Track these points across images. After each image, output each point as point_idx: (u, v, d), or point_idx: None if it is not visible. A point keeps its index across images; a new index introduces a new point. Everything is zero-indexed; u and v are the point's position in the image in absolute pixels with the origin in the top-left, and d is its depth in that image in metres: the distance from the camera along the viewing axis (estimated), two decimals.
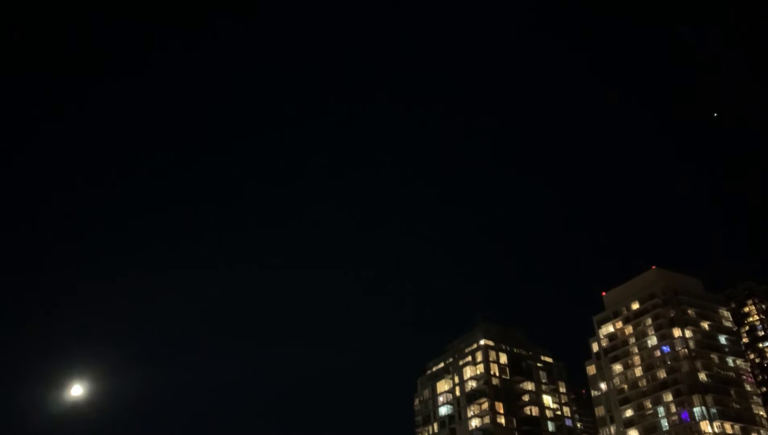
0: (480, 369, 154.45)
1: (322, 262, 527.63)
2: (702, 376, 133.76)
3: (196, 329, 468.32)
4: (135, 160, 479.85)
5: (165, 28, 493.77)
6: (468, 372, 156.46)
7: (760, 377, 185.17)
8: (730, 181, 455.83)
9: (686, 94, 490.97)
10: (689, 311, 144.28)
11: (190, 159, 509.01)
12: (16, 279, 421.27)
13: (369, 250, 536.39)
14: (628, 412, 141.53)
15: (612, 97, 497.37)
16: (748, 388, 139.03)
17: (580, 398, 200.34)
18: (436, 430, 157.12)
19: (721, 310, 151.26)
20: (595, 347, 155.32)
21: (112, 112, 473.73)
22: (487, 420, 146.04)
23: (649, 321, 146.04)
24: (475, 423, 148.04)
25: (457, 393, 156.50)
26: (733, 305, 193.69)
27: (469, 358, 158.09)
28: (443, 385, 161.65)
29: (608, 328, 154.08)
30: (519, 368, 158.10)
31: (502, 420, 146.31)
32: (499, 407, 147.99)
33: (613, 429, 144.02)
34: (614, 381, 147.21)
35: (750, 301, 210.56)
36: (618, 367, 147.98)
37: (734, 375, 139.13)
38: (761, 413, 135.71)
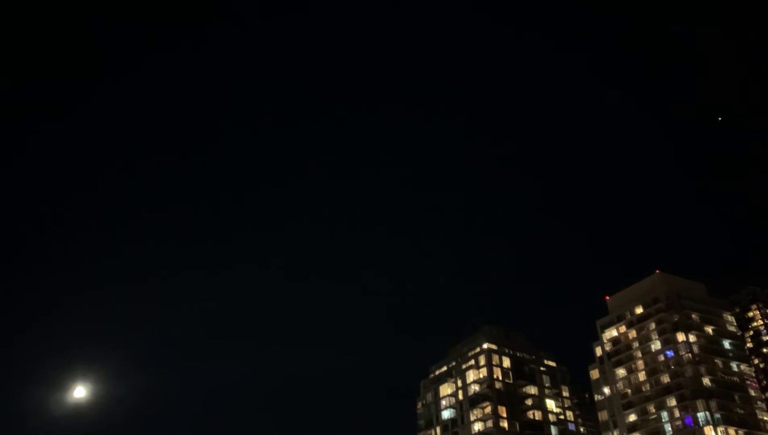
0: (483, 373, 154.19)
1: (323, 262, 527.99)
2: (706, 381, 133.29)
3: (197, 330, 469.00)
4: (135, 161, 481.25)
5: (165, 28, 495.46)
6: (471, 376, 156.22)
7: (764, 382, 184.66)
8: (734, 184, 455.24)
9: (687, 96, 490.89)
10: (693, 316, 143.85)
11: (190, 159, 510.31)
12: (17, 280, 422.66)
13: (370, 251, 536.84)
14: (632, 417, 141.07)
15: (613, 98, 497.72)
16: (752, 393, 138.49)
17: (584, 403, 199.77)
18: (438, 433, 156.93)
19: (725, 315, 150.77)
20: (598, 351, 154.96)
21: (111, 113, 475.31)
22: (489, 424, 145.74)
23: (653, 325, 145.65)
24: (477, 427, 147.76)
25: (460, 397, 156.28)
26: (737, 310, 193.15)
27: (472, 362, 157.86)
28: (446, 389, 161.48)
29: (612, 333, 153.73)
30: (522, 372, 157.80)
31: (504, 424, 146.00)
32: (502, 411, 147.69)
33: (616, 433, 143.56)
34: (617, 385, 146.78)
35: (754, 306, 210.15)
36: (621, 372, 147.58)
37: (738, 380, 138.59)
38: (765, 418, 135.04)
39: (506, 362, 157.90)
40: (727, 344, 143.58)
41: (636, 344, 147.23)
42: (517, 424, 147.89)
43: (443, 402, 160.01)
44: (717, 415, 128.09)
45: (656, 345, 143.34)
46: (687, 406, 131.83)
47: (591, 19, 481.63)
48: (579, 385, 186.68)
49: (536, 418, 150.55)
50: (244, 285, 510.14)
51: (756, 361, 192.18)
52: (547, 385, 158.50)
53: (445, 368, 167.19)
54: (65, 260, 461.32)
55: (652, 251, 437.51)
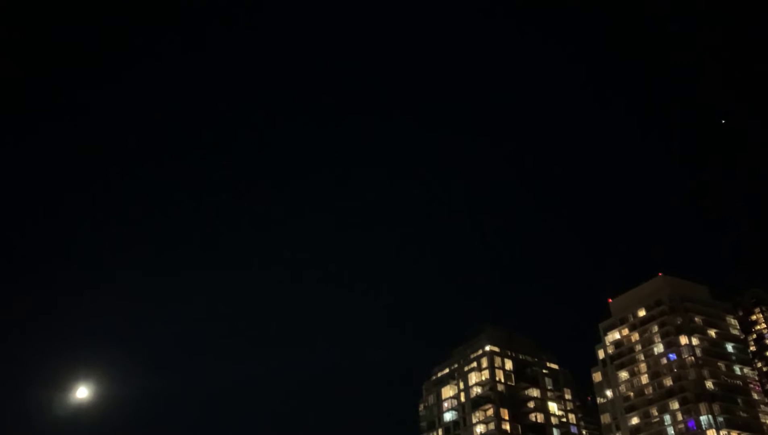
0: (485, 375, 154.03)
1: (324, 263, 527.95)
2: (709, 384, 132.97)
3: (200, 331, 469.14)
4: (137, 160, 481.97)
5: (166, 28, 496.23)
6: (473, 378, 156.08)
7: None
8: (737, 186, 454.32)
9: (688, 97, 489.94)
10: (696, 319, 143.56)
11: (192, 160, 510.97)
12: (18, 280, 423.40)
13: (371, 252, 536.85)
14: (634, 420, 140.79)
15: (615, 100, 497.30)
16: (756, 396, 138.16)
17: (586, 405, 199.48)
18: None
19: (728, 318, 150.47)
20: (601, 354, 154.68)
21: (112, 113, 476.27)
22: (491, 426, 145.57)
23: (656, 328, 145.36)
24: (479, 429, 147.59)
25: (462, 399, 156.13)
26: (740, 313, 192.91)
27: (475, 364, 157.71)
28: (448, 391, 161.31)
29: (614, 335, 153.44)
30: (524, 375, 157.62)
31: (507, 426, 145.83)
32: (504, 414, 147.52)
33: None
34: (620, 388, 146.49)
35: (757, 309, 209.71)
36: (624, 375, 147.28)
37: (741, 383, 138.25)
38: None
39: (508, 365, 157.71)
40: (730, 347, 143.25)
41: (639, 347, 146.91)
42: (519, 427, 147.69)
43: (445, 404, 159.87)
44: (720, 419, 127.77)
45: (659, 348, 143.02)
46: (690, 409, 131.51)
47: (591, 20, 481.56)
48: (581, 388, 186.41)
49: (538, 421, 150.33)
50: (246, 285, 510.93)
51: (759, 365, 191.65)
52: (549, 387, 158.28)
53: (447, 370, 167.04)
54: (67, 260, 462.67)
55: (655, 254, 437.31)
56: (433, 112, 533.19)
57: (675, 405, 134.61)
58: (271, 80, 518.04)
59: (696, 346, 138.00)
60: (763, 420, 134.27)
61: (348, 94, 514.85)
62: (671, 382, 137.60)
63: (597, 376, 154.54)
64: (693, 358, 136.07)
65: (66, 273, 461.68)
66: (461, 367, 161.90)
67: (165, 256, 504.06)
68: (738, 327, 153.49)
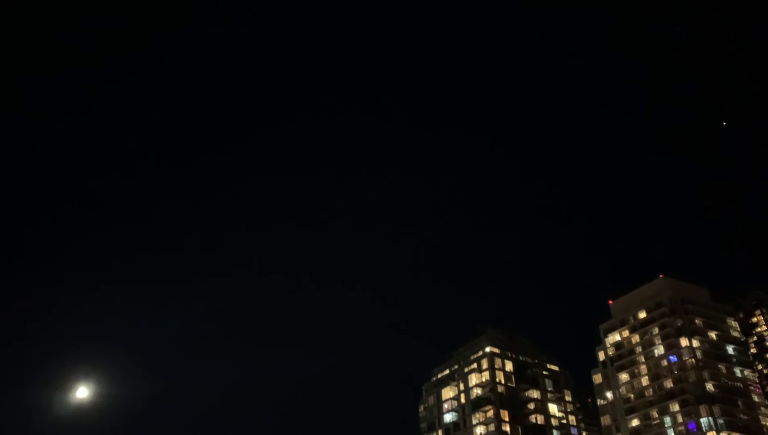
0: (485, 376, 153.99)
1: (325, 265, 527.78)
2: (709, 386, 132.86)
3: (200, 331, 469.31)
4: (138, 163, 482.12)
5: (167, 28, 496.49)
6: (473, 379, 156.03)
7: None
8: (738, 187, 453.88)
9: (689, 97, 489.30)
10: (696, 321, 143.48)
11: (194, 162, 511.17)
12: (19, 281, 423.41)
13: (371, 252, 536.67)
14: (635, 422, 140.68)
15: (617, 103, 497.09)
16: (756, 398, 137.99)
17: (586, 407, 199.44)
18: None
19: (728, 320, 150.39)
20: (601, 356, 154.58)
21: (113, 115, 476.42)
22: (492, 428, 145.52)
23: (656, 330, 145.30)
24: (480, 431, 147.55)
25: (462, 400, 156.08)
26: (741, 315, 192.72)
27: (475, 366, 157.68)
28: (448, 392, 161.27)
29: (615, 337, 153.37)
30: (525, 376, 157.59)
31: (507, 428, 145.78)
32: (504, 415, 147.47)
33: None
34: (620, 390, 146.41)
35: (758, 311, 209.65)
36: (624, 376, 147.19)
37: (742, 386, 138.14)
38: None
39: (509, 366, 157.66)
40: (730, 349, 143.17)
41: (639, 349, 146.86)
42: (519, 428, 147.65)
43: (445, 405, 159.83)
44: (720, 421, 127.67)
45: (659, 350, 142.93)
46: (690, 411, 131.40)
47: (590, 20, 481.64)
48: (582, 390, 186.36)
49: (538, 423, 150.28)
50: (246, 286, 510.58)
51: (760, 367, 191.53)
52: (549, 389, 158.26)
53: (447, 371, 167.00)
54: (68, 261, 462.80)
55: (655, 255, 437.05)
56: (433, 112, 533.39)
57: (675, 407, 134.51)
58: (272, 80, 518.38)
59: (696, 348, 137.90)
60: (763, 422, 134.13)
61: (348, 94, 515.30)
62: (671, 384, 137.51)
63: (597, 378, 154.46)
64: (693, 360, 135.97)
65: (66, 273, 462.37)
66: (461, 368, 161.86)
67: (165, 257, 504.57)
68: (738, 329, 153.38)
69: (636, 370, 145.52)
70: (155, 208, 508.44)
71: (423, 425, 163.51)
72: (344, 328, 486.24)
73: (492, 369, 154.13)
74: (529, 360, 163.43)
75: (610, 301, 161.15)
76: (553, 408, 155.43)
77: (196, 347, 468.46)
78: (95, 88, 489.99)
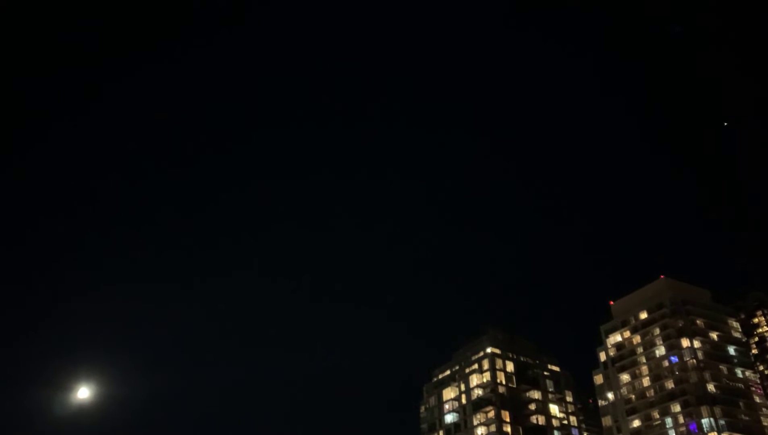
0: (486, 377, 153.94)
1: (323, 265, 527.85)
2: (710, 387, 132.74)
3: (201, 332, 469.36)
4: (140, 163, 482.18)
5: (167, 29, 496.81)
6: (474, 380, 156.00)
7: None
8: (739, 188, 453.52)
9: (689, 98, 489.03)
10: (698, 321, 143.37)
11: (195, 163, 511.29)
12: (21, 281, 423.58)
13: (373, 253, 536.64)
14: (636, 423, 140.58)
15: (618, 104, 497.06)
16: (757, 399, 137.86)
17: (587, 408, 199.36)
18: None
19: (730, 321, 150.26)
20: (602, 356, 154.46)
21: (114, 116, 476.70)
22: (493, 428, 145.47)
23: (657, 331, 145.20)
24: (480, 431, 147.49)
25: (463, 401, 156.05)
26: (742, 316, 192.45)
27: (476, 366, 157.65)
28: (449, 393, 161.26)
29: (616, 338, 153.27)
30: (525, 377, 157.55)
31: (508, 428, 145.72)
32: (505, 416, 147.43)
33: None
34: (621, 391, 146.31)
35: (759, 312, 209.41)
36: (625, 377, 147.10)
37: (743, 386, 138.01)
38: None
39: (510, 367, 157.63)
40: (731, 350, 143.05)
41: (640, 350, 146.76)
42: (521, 429, 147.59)
43: (446, 406, 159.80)
44: (721, 422, 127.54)
45: (661, 350, 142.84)
46: (691, 412, 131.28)
47: (590, 20, 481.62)
48: (583, 390, 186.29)
49: (539, 423, 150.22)
50: (247, 286, 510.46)
51: (761, 368, 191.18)
52: (550, 389, 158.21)
53: (448, 372, 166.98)
54: (68, 261, 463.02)
55: (656, 256, 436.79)
56: (433, 112, 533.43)
57: (676, 408, 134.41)
58: (272, 80, 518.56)
59: (698, 348, 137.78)
60: (764, 423, 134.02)
61: (348, 94, 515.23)
62: (673, 385, 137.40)
63: (598, 379, 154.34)
64: (694, 360, 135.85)
65: (66, 274, 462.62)
66: (462, 368, 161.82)
67: (166, 258, 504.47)
68: (740, 330, 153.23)
69: (637, 371, 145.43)
70: (155, 208, 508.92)
71: (424, 426, 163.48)
72: (344, 329, 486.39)
73: (493, 370, 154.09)
74: (530, 361, 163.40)
75: (611, 302, 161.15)
76: (554, 409, 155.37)
77: (197, 347, 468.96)
78: (95, 88, 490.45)
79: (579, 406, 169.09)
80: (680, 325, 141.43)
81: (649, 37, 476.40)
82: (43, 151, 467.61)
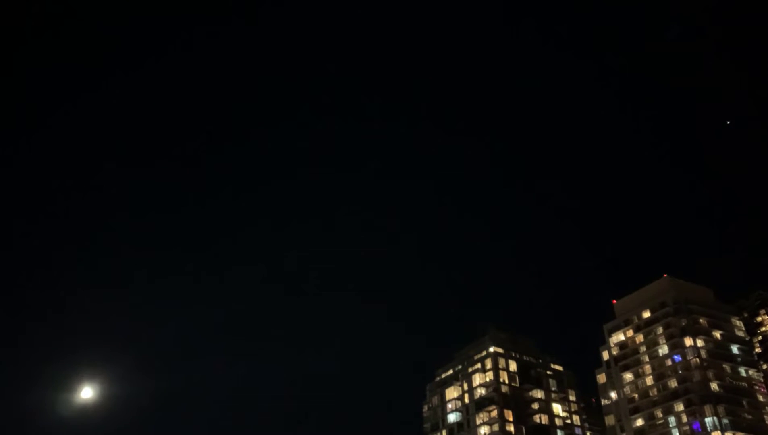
0: (489, 376, 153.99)
1: (325, 265, 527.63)
2: (714, 386, 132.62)
3: (205, 331, 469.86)
4: (140, 160, 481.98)
5: (168, 26, 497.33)
6: (477, 379, 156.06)
7: None
8: (742, 188, 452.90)
9: (690, 97, 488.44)
10: (701, 320, 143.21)
11: (196, 159, 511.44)
12: (22, 280, 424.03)
13: (373, 252, 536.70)
14: (639, 422, 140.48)
15: (619, 105, 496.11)
16: (761, 398, 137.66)
17: (590, 407, 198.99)
18: None
19: (733, 320, 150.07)
20: (605, 356, 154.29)
21: (114, 111, 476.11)
22: (496, 428, 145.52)
23: (660, 330, 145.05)
24: (483, 431, 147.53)
25: (466, 400, 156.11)
26: (745, 315, 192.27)
27: (479, 366, 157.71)
28: (452, 392, 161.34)
29: (619, 337, 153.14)
30: (528, 376, 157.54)
31: (511, 428, 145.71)
32: (508, 415, 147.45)
33: None
34: (625, 390, 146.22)
35: (762, 311, 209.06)
36: (628, 376, 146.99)
37: (746, 385, 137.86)
38: None
39: (513, 366, 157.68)
40: (735, 349, 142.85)
41: (643, 348, 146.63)
42: (524, 428, 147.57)
43: (449, 405, 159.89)
44: (725, 421, 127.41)
45: (664, 349, 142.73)
46: (694, 411, 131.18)
47: (590, 21, 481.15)
48: (586, 390, 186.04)
49: (542, 422, 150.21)
50: (252, 285, 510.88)
51: (764, 366, 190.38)
52: (553, 389, 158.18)
53: (451, 372, 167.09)
54: (72, 260, 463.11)
55: (659, 255, 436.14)
56: (433, 113, 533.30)
57: (680, 407, 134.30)
58: (271, 80, 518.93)
59: (701, 347, 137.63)
60: None
61: (348, 93, 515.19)
62: (676, 384, 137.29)
63: (601, 378, 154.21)
64: (698, 359, 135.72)
65: (71, 273, 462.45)
66: (465, 368, 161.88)
67: (170, 257, 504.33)
68: (743, 329, 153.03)
69: (640, 370, 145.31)
70: (160, 209, 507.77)
71: (427, 425, 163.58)
72: (346, 328, 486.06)
73: (496, 369, 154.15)
74: (532, 360, 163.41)
75: (614, 301, 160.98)
76: (557, 408, 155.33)
77: (202, 347, 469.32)
78: (94, 87, 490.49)
79: (582, 405, 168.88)
80: (683, 324, 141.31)
81: (649, 38, 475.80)
82: (43, 147, 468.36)
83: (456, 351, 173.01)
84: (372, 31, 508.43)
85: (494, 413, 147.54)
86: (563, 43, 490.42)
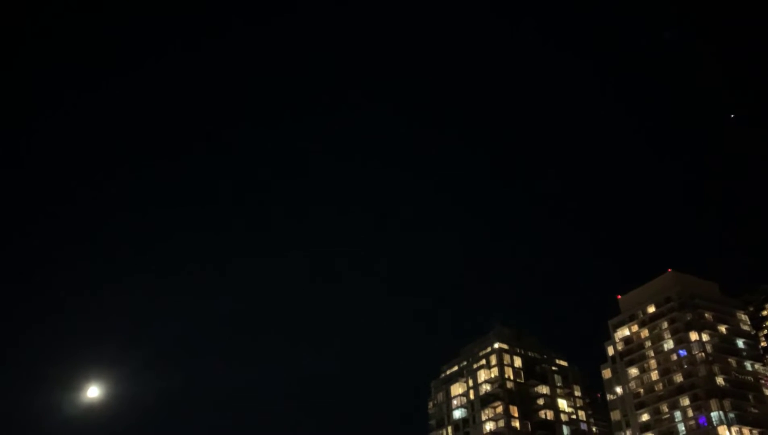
0: (494, 372, 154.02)
1: (330, 263, 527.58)
2: (719, 380, 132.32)
3: (211, 329, 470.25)
4: (145, 157, 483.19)
5: (168, 26, 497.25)
6: (482, 375, 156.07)
7: None
8: (746, 184, 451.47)
9: (690, 97, 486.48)
10: (706, 315, 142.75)
11: (199, 156, 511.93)
12: (27, 280, 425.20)
13: (380, 252, 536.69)
14: (644, 417, 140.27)
15: (618, 105, 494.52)
16: (767, 392, 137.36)
17: (596, 402, 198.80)
18: (450, 433, 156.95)
19: (738, 314, 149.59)
20: (610, 351, 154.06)
21: (117, 111, 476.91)
22: (501, 424, 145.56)
23: (666, 325, 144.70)
24: (489, 427, 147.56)
25: (471, 396, 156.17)
26: (750, 309, 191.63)
27: (484, 362, 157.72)
28: (457, 389, 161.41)
29: (624, 332, 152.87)
30: (533, 372, 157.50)
31: (516, 424, 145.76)
32: (514, 411, 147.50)
33: (629, 433, 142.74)
34: (630, 385, 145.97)
35: None
36: (634, 371, 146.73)
37: (752, 379, 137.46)
38: None
39: (518, 362, 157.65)
40: (740, 343, 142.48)
41: (648, 343, 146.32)
42: (529, 424, 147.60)
43: (454, 402, 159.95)
44: (731, 415, 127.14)
45: (669, 344, 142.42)
46: (700, 405, 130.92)
47: (590, 21, 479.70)
48: (591, 385, 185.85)
49: (548, 418, 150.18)
50: (258, 282, 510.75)
51: None
52: (558, 384, 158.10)
53: (456, 368, 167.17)
54: (76, 259, 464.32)
55: (664, 250, 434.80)
56: (433, 113, 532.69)
57: (685, 401, 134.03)
58: (272, 80, 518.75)
59: (706, 342, 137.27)
60: None
61: (348, 93, 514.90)
62: (681, 379, 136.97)
63: (607, 373, 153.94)
64: (703, 354, 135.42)
65: (75, 273, 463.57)
66: (470, 364, 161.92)
67: (170, 257, 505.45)
68: (748, 323, 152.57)
69: (645, 365, 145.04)
70: (164, 207, 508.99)
71: (432, 422, 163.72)
72: (350, 326, 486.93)
73: (501, 365, 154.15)
74: (537, 356, 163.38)
75: (619, 296, 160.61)
76: (562, 403, 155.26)
77: (208, 346, 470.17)
78: (97, 87, 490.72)
79: (587, 400, 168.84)
80: (688, 318, 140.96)
81: (649, 38, 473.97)
82: (42, 146, 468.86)
83: (461, 347, 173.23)
84: (372, 31, 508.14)
85: (499, 409, 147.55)
86: (563, 43, 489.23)
